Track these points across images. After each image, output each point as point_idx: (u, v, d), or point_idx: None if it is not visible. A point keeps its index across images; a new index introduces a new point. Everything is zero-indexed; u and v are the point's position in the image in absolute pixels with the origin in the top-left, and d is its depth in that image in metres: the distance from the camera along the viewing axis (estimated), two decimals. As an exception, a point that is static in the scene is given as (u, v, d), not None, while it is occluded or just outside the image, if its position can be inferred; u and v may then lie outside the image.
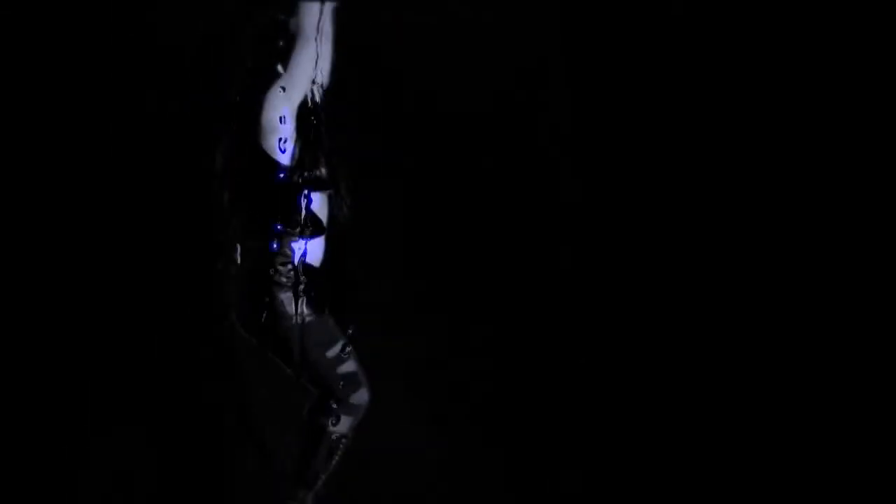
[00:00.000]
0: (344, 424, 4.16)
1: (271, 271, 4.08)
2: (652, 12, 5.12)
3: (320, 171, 4.13)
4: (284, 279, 4.08)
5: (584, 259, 5.22)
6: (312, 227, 4.12)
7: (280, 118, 4.08)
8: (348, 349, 4.20)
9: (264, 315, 4.07)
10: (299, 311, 4.07)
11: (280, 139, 4.08)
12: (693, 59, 5.08)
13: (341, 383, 4.14)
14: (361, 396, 4.18)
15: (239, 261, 4.15)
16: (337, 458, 4.18)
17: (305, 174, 4.10)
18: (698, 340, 5.06)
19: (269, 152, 4.08)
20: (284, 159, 4.09)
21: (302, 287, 4.08)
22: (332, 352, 4.14)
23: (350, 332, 4.26)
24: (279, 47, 4.16)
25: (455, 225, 5.20)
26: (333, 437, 4.16)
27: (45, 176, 4.93)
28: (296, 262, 4.09)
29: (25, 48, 4.91)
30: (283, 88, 4.08)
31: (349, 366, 4.15)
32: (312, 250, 4.14)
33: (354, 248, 4.37)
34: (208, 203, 4.23)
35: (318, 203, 4.15)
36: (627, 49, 5.15)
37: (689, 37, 5.08)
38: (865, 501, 4.76)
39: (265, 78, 4.12)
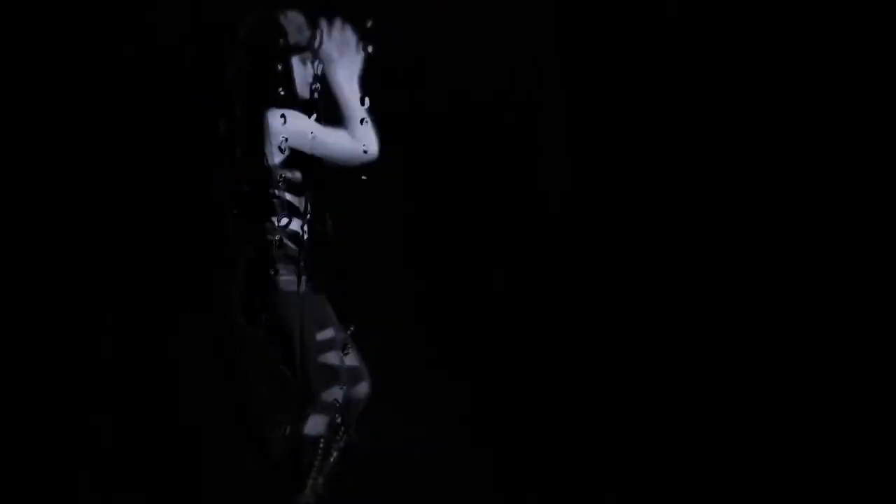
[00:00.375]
0: (318, 423, 4.12)
1: (271, 251, 4.08)
2: (648, 13, 5.13)
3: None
4: (282, 251, 4.08)
5: (582, 259, 5.22)
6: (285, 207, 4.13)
7: (281, 116, 4.09)
8: (348, 348, 4.21)
9: (265, 296, 4.07)
10: (295, 280, 4.07)
11: (281, 139, 4.09)
12: (690, 59, 5.09)
13: (318, 372, 4.09)
14: (334, 394, 4.13)
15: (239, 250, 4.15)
16: (321, 457, 4.15)
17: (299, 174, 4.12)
18: (698, 341, 5.06)
19: (269, 151, 4.09)
20: (283, 158, 4.10)
21: (301, 260, 4.08)
22: (323, 335, 4.11)
23: (350, 331, 4.26)
24: (278, 45, 4.16)
25: (454, 225, 5.20)
26: (311, 437, 4.12)
27: (45, 176, 4.93)
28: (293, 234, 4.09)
29: (25, 48, 4.91)
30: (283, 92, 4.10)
31: (332, 358, 4.11)
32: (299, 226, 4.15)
33: (354, 248, 4.38)
34: (210, 201, 4.23)
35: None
36: (623, 50, 5.16)
37: (685, 38, 5.09)
38: (865, 501, 4.76)
39: (265, 77, 4.13)
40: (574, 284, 5.24)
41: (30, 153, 4.93)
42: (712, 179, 5.06)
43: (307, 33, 4.15)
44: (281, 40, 4.13)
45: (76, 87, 4.94)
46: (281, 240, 4.10)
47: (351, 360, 4.18)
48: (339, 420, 4.15)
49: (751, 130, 5.02)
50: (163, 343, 5.03)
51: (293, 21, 4.16)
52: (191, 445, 5.02)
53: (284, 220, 4.10)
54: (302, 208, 4.14)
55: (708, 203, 5.08)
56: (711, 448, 4.98)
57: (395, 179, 5.14)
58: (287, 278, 4.08)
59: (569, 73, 5.27)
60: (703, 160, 5.07)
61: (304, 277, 4.09)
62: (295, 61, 4.15)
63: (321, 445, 4.12)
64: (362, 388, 4.23)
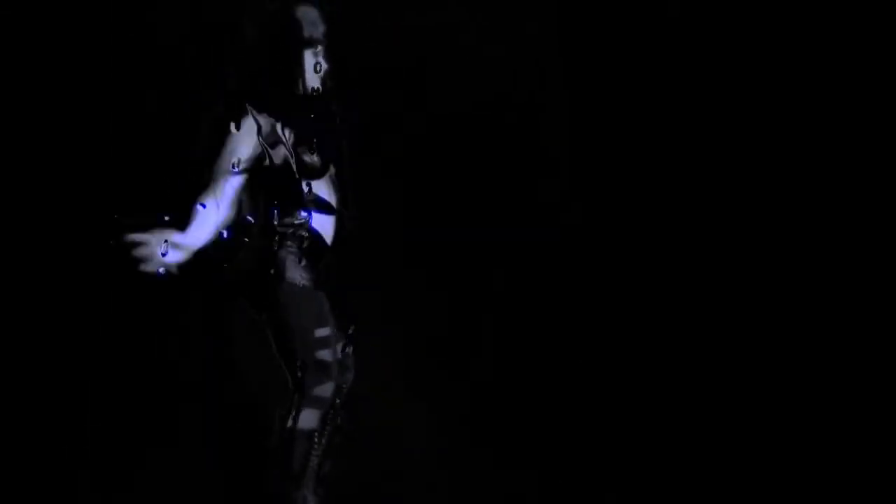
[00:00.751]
0: (311, 418, 4.11)
1: (276, 242, 4.08)
2: (648, 13, 5.13)
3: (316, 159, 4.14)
4: (289, 243, 4.08)
5: (582, 259, 5.22)
6: (317, 205, 4.12)
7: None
8: (348, 349, 4.21)
9: (269, 283, 4.06)
10: (301, 275, 4.06)
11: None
12: (690, 59, 5.09)
13: (312, 367, 4.08)
14: (325, 390, 4.12)
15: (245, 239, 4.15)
16: (317, 452, 4.14)
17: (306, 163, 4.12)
18: (697, 342, 5.06)
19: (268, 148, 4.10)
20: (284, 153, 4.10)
21: (306, 248, 4.07)
22: (321, 332, 4.10)
23: (350, 332, 4.26)
24: (293, 39, 4.15)
25: (454, 225, 5.20)
26: (304, 432, 4.11)
27: (45, 176, 4.94)
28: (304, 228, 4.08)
29: (25, 48, 4.91)
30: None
31: (327, 354, 4.11)
32: (320, 223, 4.14)
33: (354, 248, 4.38)
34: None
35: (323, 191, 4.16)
36: (624, 50, 5.17)
37: (685, 37, 5.09)
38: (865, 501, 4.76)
39: (266, 73, 4.13)
40: (574, 285, 5.23)
41: (30, 153, 4.93)
42: (712, 179, 5.06)
43: (321, 28, 4.17)
44: (296, 34, 4.13)
45: (77, 86, 4.95)
46: (286, 235, 4.10)
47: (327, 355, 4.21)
48: (331, 412, 4.16)
49: (750, 130, 5.02)
50: (163, 343, 5.03)
51: (308, 15, 4.17)
52: (191, 445, 5.02)
53: (289, 218, 4.10)
54: (308, 202, 4.14)
55: (707, 202, 5.07)
56: (710, 449, 4.97)
57: (396, 179, 5.14)
58: (292, 273, 4.08)
59: (569, 73, 5.27)
60: (702, 160, 5.07)
61: (308, 273, 4.10)
62: (306, 54, 4.16)
63: (315, 440, 4.11)
64: (349, 376, 4.27)
